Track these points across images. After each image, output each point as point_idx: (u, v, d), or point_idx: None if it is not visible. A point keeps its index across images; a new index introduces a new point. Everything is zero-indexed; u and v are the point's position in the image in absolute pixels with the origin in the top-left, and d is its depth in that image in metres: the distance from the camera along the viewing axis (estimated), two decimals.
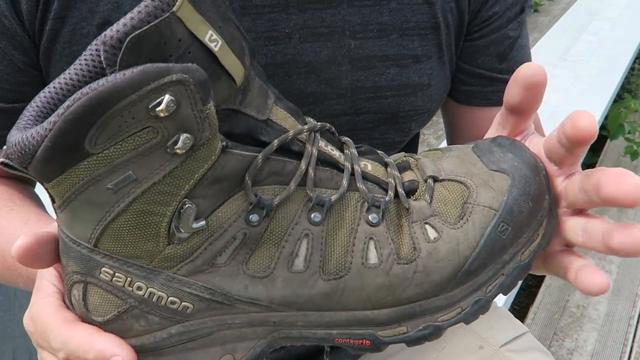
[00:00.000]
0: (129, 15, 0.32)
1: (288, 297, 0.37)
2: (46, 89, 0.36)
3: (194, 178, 0.34)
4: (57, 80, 0.36)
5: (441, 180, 0.40)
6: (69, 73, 0.35)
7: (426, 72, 0.57)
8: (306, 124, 0.39)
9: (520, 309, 1.77)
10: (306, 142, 0.38)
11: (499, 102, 0.62)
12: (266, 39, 0.51)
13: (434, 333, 0.39)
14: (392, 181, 0.40)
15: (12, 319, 1.12)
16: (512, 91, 0.39)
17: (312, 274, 0.37)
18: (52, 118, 0.31)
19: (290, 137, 0.37)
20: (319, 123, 0.39)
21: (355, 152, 0.40)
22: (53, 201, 0.35)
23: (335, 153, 0.39)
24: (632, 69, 2.95)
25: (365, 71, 0.55)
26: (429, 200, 0.39)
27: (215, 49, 0.33)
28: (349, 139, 0.41)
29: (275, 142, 0.36)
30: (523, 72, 0.38)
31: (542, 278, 1.87)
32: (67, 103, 0.31)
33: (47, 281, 0.39)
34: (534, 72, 0.38)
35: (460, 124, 0.67)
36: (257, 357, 0.39)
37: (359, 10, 0.53)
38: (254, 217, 0.36)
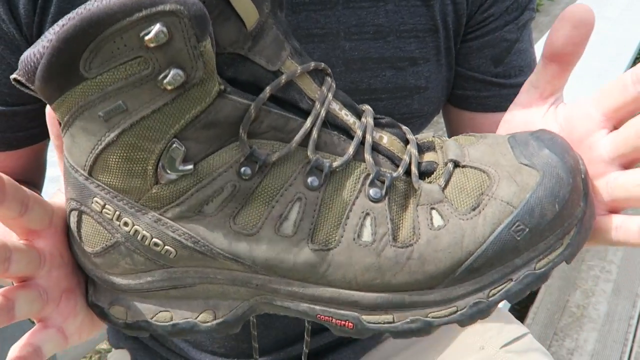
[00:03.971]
0: None
1: (271, 260, 0.36)
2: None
3: (185, 118, 0.33)
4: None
5: (463, 166, 0.37)
6: None
7: (423, 74, 0.57)
8: (322, 85, 0.37)
9: (520, 309, 1.77)
10: (316, 101, 0.36)
11: (495, 108, 0.61)
12: None
13: (422, 329, 0.36)
14: (407, 158, 0.37)
15: None
16: (559, 31, 0.38)
17: (300, 241, 0.35)
18: (49, 36, 0.31)
19: (283, 82, 0.34)
20: (314, 62, 0.37)
21: (372, 122, 0.37)
22: (60, 124, 0.35)
23: (350, 119, 0.37)
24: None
25: (360, 73, 0.54)
26: (443, 185, 0.36)
27: None
28: (369, 108, 0.39)
29: (268, 89, 0.34)
30: (572, 9, 0.37)
31: None
32: (62, 22, 0.31)
33: None
34: (584, 10, 0.37)
35: (460, 129, 0.67)
36: (238, 319, 0.38)
37: (355, 12, 0.53)
38: (246, 170, 0.34)
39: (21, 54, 0.52)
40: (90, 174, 0.35)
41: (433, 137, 0.40)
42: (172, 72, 0.31)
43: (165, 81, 0.31)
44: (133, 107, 0.32)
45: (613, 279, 1.86)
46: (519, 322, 0.72)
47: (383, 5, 0.54)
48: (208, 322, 0.38)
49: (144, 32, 0.30)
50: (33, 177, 0.63)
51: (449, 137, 0.70)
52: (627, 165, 0.37)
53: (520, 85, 0.62)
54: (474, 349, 0.66)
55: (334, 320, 0.37)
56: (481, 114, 0.63)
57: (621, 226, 0.37)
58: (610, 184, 0.37)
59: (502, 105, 0.61)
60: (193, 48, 0.31)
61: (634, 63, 2.94)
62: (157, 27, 0.30)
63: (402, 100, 0.56)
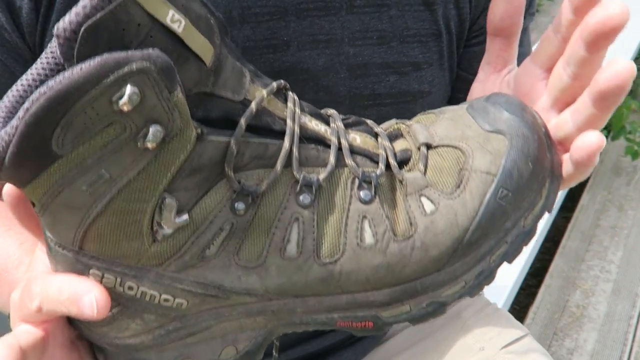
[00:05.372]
0: (81, 3, 0.29)
1: (283, 285, 0.36)
2: (14, 87, 0.34)
3: (171, 171, 0.32)
4: (24, 76, 0.34)
5: (435, 147, 0.38)
6: (36, 67, 0.33)
7: (427, 79, 0.57)
8: (287, 100, 0.37)
9: (520, 309, 1.77)
10: (287, 119, 0.36)
11: None
12: (265, 47, 0.51)
13: (438, 309, 0.38)
14: (383, 152, 0.38)
15: None
16: (495, 7, 0.43)
17: (306, 259, 0.36)
18: (14, 122, 0.30)
19: (254, 111, 0.34)
20: (275, 83, 0.36)
21: (342, 125, 0.38)
22: (33, 205, 0.33)
23: (321, 128, 0.37)
24: None
25: (364, 79, 0.54)
26: (423, 170, 0.37)
27: (179, 30, 0.31)
28: (334, 112, 0.39)
29: (242, 122, 0.34)
30: None
31: (542, 278, 1.87)
32: (26, 105, 0.29)
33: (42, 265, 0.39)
34: None
35: None
36: (260, 347, 0.38)
37: (359, 18, 0.53)
38: (239, 205, 0.34)
39: (25, 62, 0.52)
40: (81, 247, 0.34)
41: (397, 123, 0.41)
42: (151, 130, 0.31)
43: (146, 140, 0.31)
44: (117, 173, 0.31)
45: (613, 279, 1.87)
46: (519, 323, 0.72)
47: (387, 11, 0.54)
48: (230, 356, 0.38)
49: (116, 97, 0.29)
50: None
51: None
52: (562, 109, 0.40)
53: None
54: (474, 350, 0.66)
55: (354, 324, 0.38)
56: None
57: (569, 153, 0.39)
58: (551, 127, 0.41)
59: None
60: (167, 100, 0.30)
61: (634, 63, 2.94)
62: (128, 90, 0.29)
63: (405, 105, 0.57)
